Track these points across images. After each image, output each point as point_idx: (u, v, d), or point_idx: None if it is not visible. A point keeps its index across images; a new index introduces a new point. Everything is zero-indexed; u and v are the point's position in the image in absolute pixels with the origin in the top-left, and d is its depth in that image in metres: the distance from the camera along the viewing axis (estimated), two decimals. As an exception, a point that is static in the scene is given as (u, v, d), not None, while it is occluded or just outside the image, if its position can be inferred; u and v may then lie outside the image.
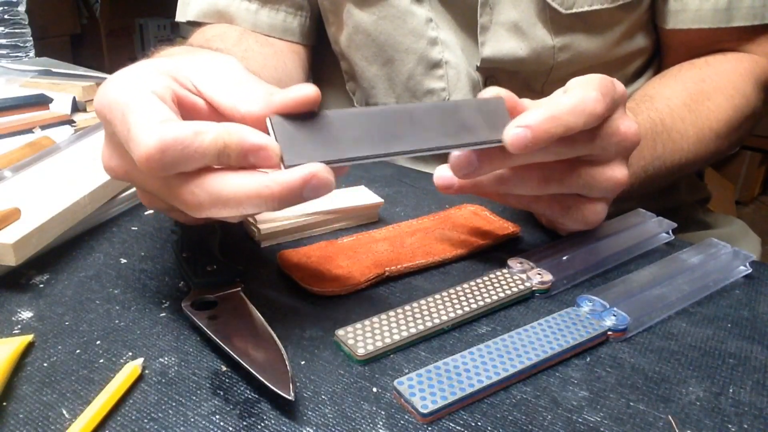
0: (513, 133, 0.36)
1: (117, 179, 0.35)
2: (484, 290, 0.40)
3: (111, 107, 0.31)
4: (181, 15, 0.70)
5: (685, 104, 0.56)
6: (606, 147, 0.41)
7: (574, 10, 0.58)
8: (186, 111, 0.33)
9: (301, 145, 0.32)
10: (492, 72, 0.63)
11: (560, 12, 0.58)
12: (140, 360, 0.33)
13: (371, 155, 0.33)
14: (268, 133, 0.32)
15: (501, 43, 0.60)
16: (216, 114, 0.34)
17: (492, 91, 0.39)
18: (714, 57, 0.62)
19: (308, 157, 0.31)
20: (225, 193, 0.30)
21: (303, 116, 0.32)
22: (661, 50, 0.67)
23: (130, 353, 0.35)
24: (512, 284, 0.41)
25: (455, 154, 0.39)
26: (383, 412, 0.31)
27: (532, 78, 0.63)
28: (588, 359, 0.36)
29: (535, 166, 0.41)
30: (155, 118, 0.30)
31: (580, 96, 0.38)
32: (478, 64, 0.62)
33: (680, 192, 0.73)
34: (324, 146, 0.32)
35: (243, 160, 0.30)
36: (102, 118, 0.33)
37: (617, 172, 0.42)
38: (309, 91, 0.32)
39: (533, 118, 0.36)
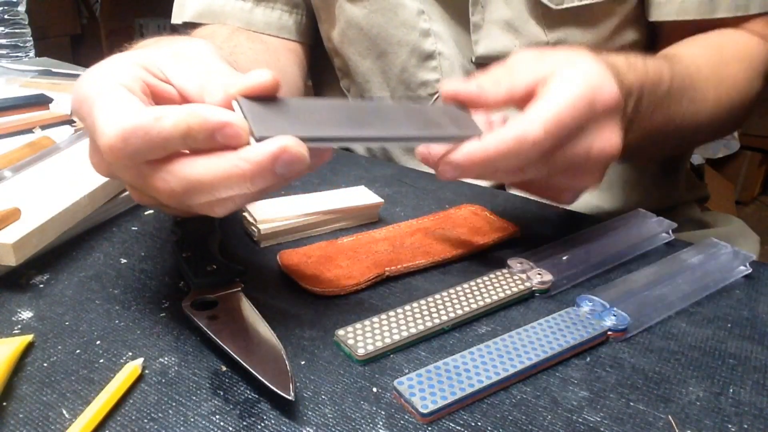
0: (442, 169, 0.37)
1: (104, 176, 0.35)
2: (484, 290, 0.40)
3: (81, 103, 0.31)
4: (177, 17, 0.70)
5: (708, 65, 0.55)
6: (575, 164, 0.40)
7: (564, 6, 0.58)
8: (160, 101, 0.33)
9: (271, 120, 0.31)
10: (488, 66, 0.63)
11: (551, 8, 0.58)
12: (140, 360, 0.33)
13: (342, 137, 0.34)
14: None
15: (494, 41, 0.60)
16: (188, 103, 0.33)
17: (451, 86, 0.39)
18: (725, 30, 0.60)
19: (279, 131, 0.30)
20: (195, 176, 0.30)
21: (269, 100, 0.32)
22: (654, 45, 0.67)
23: (130, 353, 0.35)
24: (512, 284, 0.41)
25: (420, 149, 0.39)
26: (383, 412, 0.31)
27: None
28: (588, 359, 0.36)
29: None
30: (120, 109, 0.29)
31: (518, 135, 0.36)
32: (473, 59, 0.62)
33: (679, 191, 0.73)
34: (294, 123, 0.32)
35: (210, 141, 0.30)
36: (77, 116, 0.32)
37: (590, 181, 0.41)
38: (266, 76, 0.32)
39: (464, 156, 0.37)
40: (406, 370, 0.34)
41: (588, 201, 0.64)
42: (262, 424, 0.30)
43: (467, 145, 0.37)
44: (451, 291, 0.40)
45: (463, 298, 0.39)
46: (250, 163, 0.29)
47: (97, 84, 0.31)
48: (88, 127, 0.31)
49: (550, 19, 0.59)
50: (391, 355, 0.35)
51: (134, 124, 0.29)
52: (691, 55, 0.55)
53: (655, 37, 0.66)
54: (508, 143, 0.36)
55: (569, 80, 0.38)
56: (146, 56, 0.34)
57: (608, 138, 0.40)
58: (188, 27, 0.69)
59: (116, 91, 0.30)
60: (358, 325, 0.36)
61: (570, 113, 0.37)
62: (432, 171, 0.43)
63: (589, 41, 0.61)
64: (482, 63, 0.62)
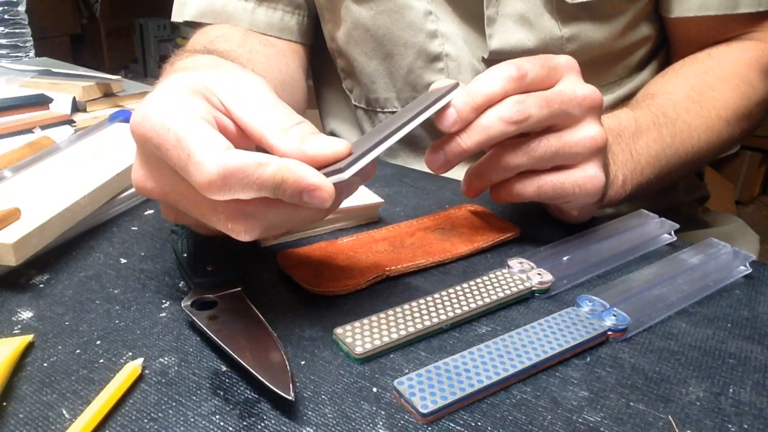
0: (444, 115, 0.40)
1: (150, 198, 0.36)
2: (483, 290, 0.40)
3: (158, 132, 0.31)
4: (178, 15, 0.69)
5: (689, 96, 0.56)
6: (565, 111, 0.41)
7: (579, 0, 0.58)
8: (229, 136, 0.33)
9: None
10: (497, 63, 0.62)
11: (566, 2, 0.58)
12: (140, 360, 0.33)
13: (371, 147, 0.35)
14: None
15: (509, 35, 0.60)
16: (244, 136, 0.34)
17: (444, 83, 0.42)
18: (717, 48, 0.62)
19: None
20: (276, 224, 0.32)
21: None
22: (669, 44, 0.67)
23: (130, 353, 0.35)
24: (512, 284, 0.41)
25: (428, 157, 0.43)
26: (383, 412, 0.31)
27: None
28: (588, 359, 0.36)
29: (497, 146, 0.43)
30: (216, 145, 0.30)
31: (492, 68, 0.41)
32: (485, 56, 0.62)
33: (678, 192, 0.73)
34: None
35: (296, 197, 0.31)
36: (145, 142, 0.32)
37: (589, 131, 0.42)
38: (342, 148, 0.33)
39: (457, 99, 0.40)
40: (406, 370, 0.34)
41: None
42: (262, 424, 0.30)
43: (459, 90, 0.41)
44: (451, 290, 0.40)
45: (462, 298, 0.39)
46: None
47: (178, 116, 0.31)
48: (171, 157, 0.31)
49: (564, 13, 0.59)
50: (391, 355, 0.35)
51: (237, 165, 0.30)
52: (668, 92, 0.57)
53: (671, 38, 0.66)
54: (486, 73, 0.41)
55: None
56: (203, 83, 0.34)
57: (585, 85, 0.42)
58: (190, 26, 0.69)
59: (204, 126, 0.31)
60: (357, 324, 0.36)
61: (530, 58, 0.42)
62: (432, 171, 0.43)
63: (602, 36, 0.61)
64: (493, 61, 0.62)
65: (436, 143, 0.42)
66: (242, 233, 0.32)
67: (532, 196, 0.45)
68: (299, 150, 0.32)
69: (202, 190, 0.30)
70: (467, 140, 0.41)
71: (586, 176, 0.43)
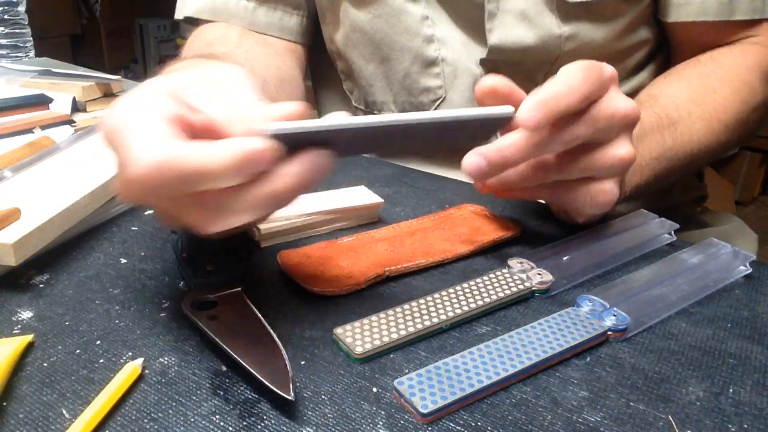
0: (527, 112, 0.37)
1: (136, 204, 0.35)
2: (483, 290, 0.40)
3: (113, 133, 0.31)
4: (179, 12, 0.70)
5: (691, 99, 0.57)
6: (606, 128, 0.41)
7: None
8: (193, 132, 0.32)
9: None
10: (495, 64, 0.63)
11: (566, 1, 0.59)
12: (140, 360, 0.33)
13: (352, 125, 0.30)
14: None
15: (508, 31, 0.60)
16: (210, 132, 0.33)
17: (489, 80, 0.40)
18: (719, 51, 0.62)
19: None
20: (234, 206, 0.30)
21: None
22: (670, 49, 0.68)
23: (130, 353, 0.35)
24: (512, 284, 0.41)
25: (468, 160, 0.39)
26: (383, 412, 0.31)
27: (535, 70, 0.63)
28: (588, 359, 0.36)
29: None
30: (154, 137, 0.29)
31: (564, 77, 0.39)
32: (483, 57, 0.62)
33: (676, 192, 0.73)
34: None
35: (251, 173, 0.30)
36: (109, 146, 0.32)
37: (621, 150, 0.42)
38: (295, 107, 0.32)
39: (532, 109, 0.37)
40: (406, 370, 0.34)
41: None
42: (262, 424, 0.30)
43: (533, 94, 0.38)
44: (451, 290, 0.40)
45: (462, 298, 0.39)
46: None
47: (129, 114, 0.31)
48: (119, 156, 0.31)
49: (564, 11, 0.59)
50: (391, 355, 0.35)
51: (169, 155, 0.28)
52: (671, 94, 0.57)
53: (671, 42, 0.67)
54: (566, 81, 0.38)
55: (576, 62, 0.41)
56: (175, 85, 0.34)
57: (625, 99, 0.42)
58: (190, 23, 0.69)
59: (150, 120, 0.30)
60: (357, 324, 0.36)
61: (590, 67, 0.40)
62: (431, 171, 0.43)
63: (601, 37, 0.61)
64: (491, 61, 0.62)
65: (478, 150, 0.40)
66: (202, 225, 0.31)
67: (543, 199, 0.45)
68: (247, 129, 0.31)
69: (139, 188, 0.30)
70: (518, 159, 0.40)
71: (601, 190, 0.43)
